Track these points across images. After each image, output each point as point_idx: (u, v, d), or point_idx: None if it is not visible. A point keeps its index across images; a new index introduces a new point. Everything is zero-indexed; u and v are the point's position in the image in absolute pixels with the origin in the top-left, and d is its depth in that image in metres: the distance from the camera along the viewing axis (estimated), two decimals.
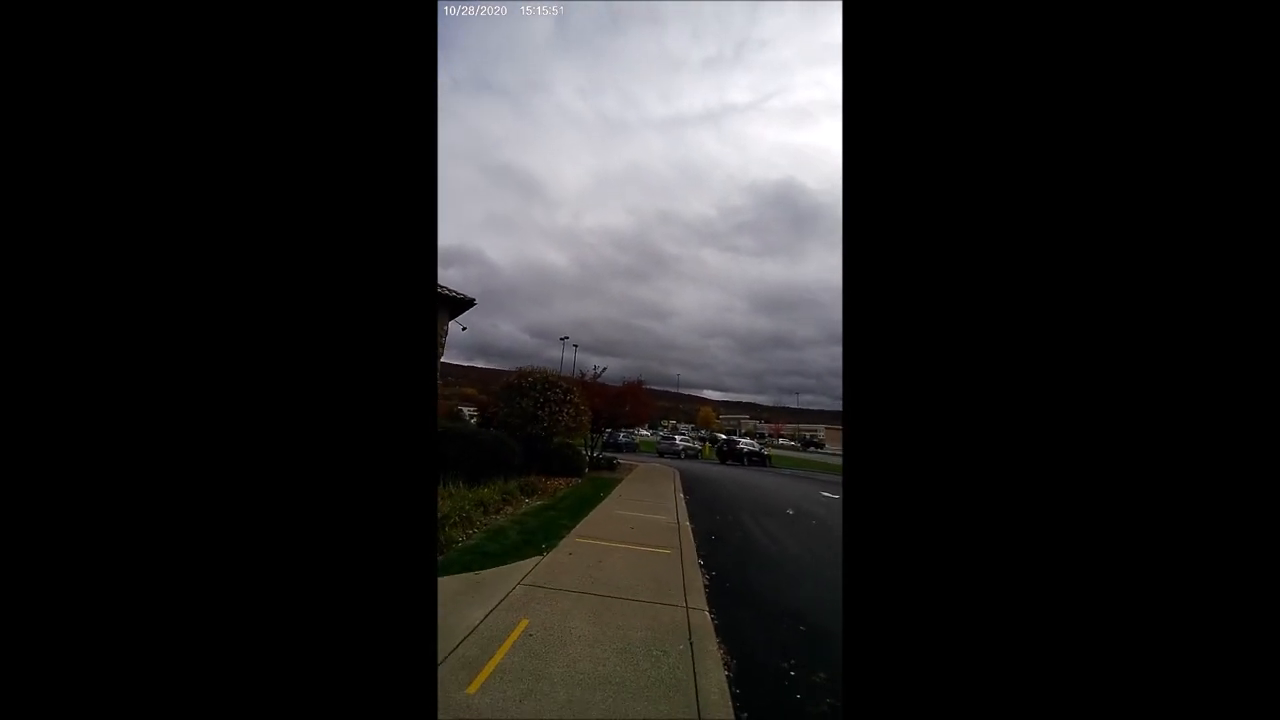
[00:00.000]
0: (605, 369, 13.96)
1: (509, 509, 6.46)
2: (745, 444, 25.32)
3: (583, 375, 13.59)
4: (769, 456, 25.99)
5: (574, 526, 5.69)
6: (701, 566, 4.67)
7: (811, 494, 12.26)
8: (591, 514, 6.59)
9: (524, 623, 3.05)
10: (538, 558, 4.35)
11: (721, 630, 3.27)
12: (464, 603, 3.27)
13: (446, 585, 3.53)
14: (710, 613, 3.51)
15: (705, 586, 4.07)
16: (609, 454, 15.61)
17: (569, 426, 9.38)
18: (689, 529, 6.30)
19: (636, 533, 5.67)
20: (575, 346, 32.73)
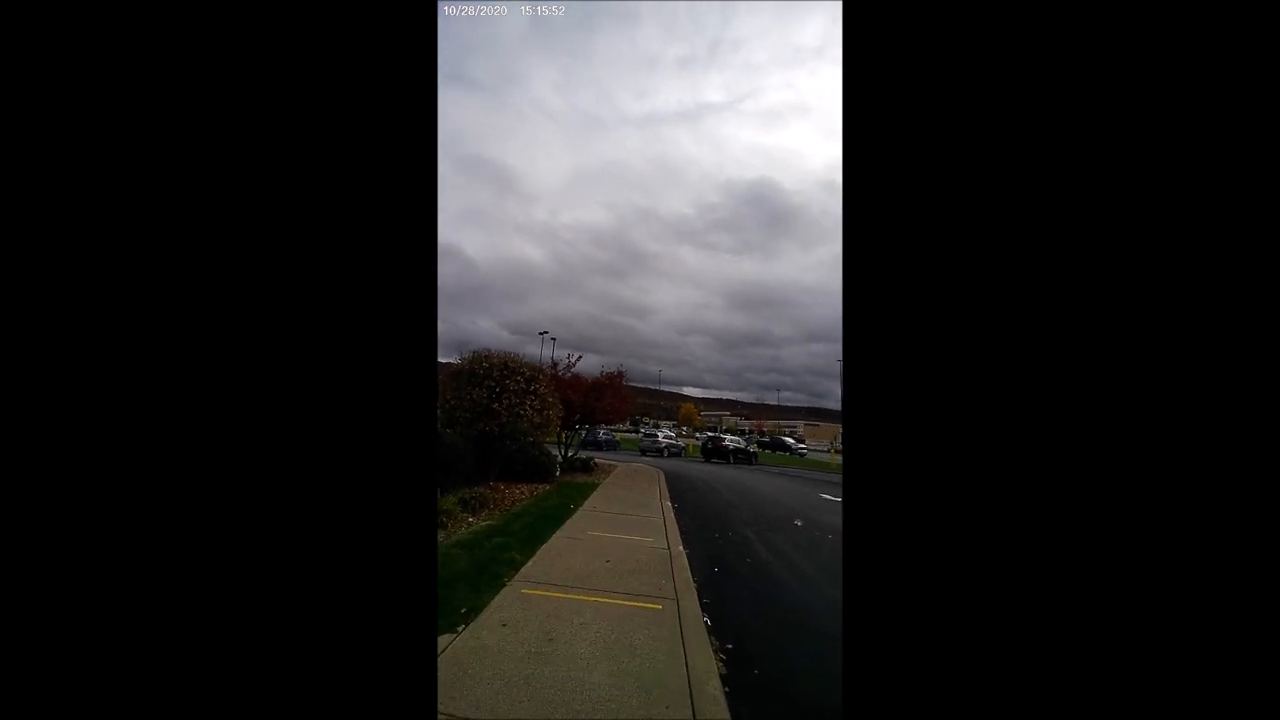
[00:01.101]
0: (580, 357, 12.22)
1: (439, 535, 4.75)
2: (730, 441, 23.96)
3: (554, 365, 11.85)
4: (755, 454, 24.82)
5: (525, 563, 4.03)
6: (710, 630, 3.09)
7: (811, 497, 10.89)
8: (554, 538, 4.95)
9: None
10: (449, 637, 2.67)
11: None
12: None
13: None
14: None
15: (722, 681, 2.49)
16: (588, 453, 13.96)
17: (533, 422, 7.66)
18: (683, 556, 4.72)
19: (612, 570, 4.05)
20: (554, 340, 30.83)
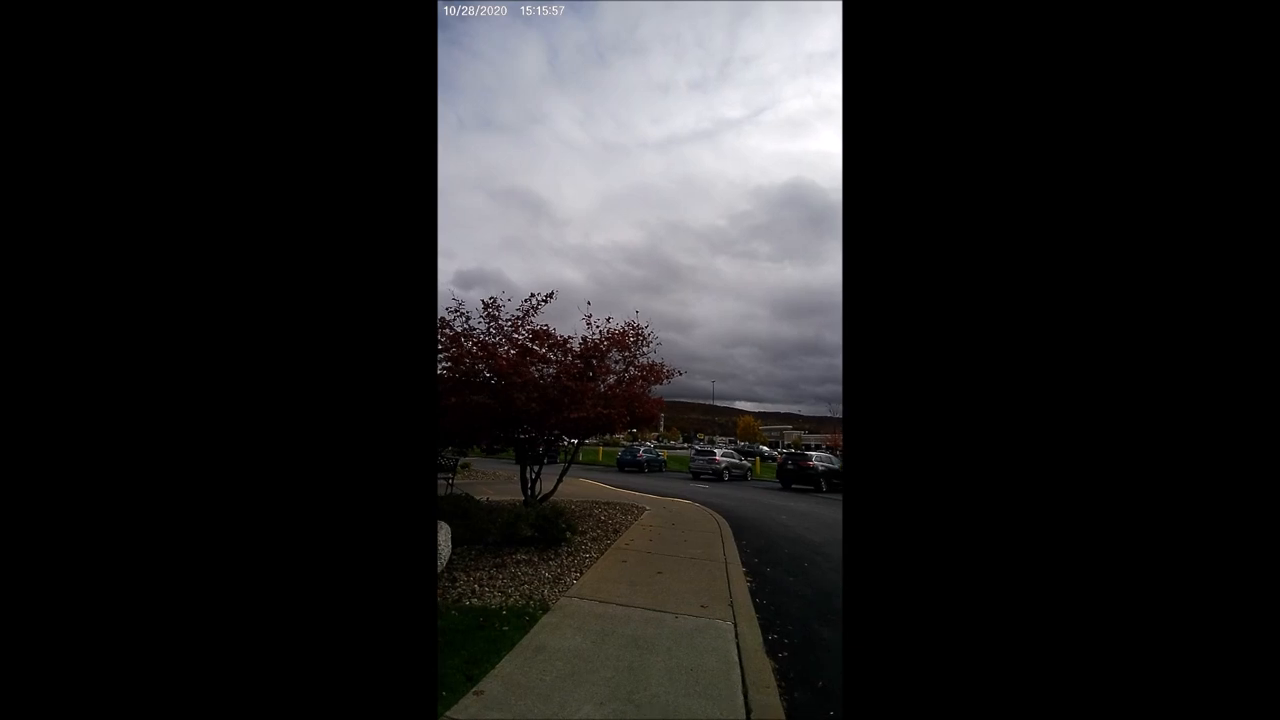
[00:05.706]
0: (552, 294, 6.03)
1: None
2: (820, 460, 16.66)
3: (490, 305, 5.77)
4: None
5: None
6: None
7: None
8: None
9: None
10: None
11: None
12: None
13: None
14: None
15: None
16: (615, 478, 7.68)
17: None
18: None
19: None
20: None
